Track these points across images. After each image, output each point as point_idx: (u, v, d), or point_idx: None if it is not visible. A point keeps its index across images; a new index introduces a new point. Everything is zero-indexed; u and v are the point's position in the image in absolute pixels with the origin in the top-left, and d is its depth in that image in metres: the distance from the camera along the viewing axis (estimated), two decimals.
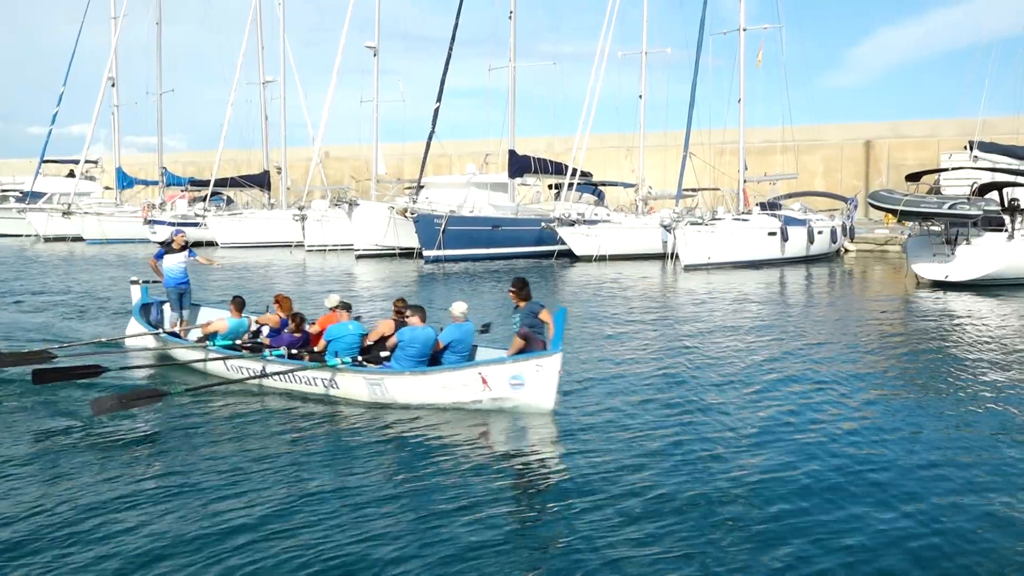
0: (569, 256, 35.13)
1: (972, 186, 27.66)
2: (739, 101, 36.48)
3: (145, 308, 14.81)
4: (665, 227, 33.51)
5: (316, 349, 11.56)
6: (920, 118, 53.13)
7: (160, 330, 14.19)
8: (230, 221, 44.23)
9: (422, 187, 38.42)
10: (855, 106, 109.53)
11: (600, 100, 37.53)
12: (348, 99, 74.08)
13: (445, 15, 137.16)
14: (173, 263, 14.80)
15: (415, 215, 34.85)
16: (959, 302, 21.74)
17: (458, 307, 11.18)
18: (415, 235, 35.26)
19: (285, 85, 48.09)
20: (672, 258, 32.48)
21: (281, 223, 42.96)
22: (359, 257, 36.14)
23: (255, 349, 12.17)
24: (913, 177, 28.22)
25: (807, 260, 34.72)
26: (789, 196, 41.29)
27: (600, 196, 43.72)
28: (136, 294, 15.21)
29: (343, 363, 10.79)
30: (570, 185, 37.45)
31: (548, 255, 35.86)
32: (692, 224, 31.64)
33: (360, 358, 10.99)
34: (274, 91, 48.58)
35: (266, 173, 48.42)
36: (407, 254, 36.00)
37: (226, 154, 47.40)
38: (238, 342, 12.56)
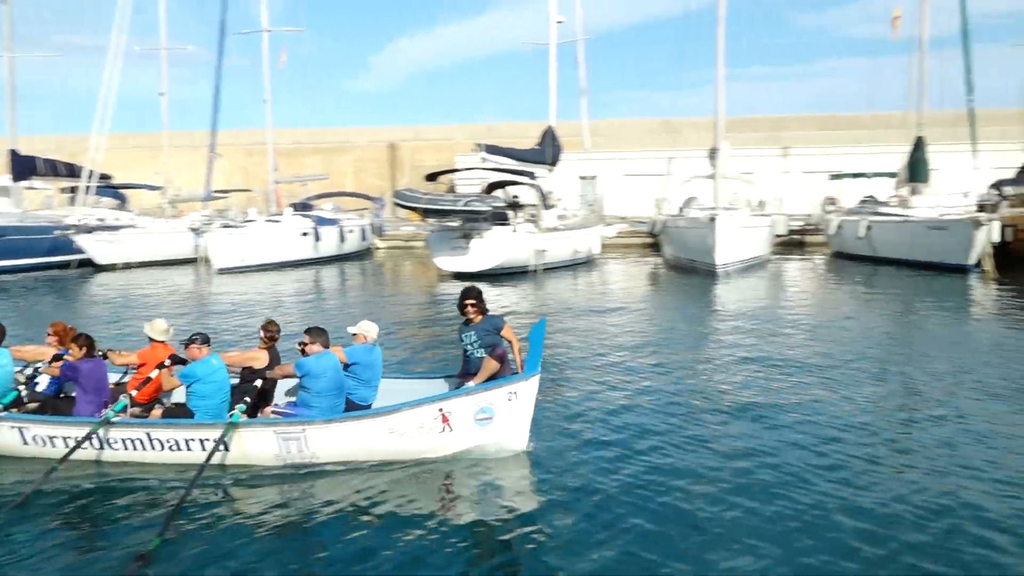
0: (91, 265, 32.23)
1: (482, 184, 30.48)
2: (265, 101, 36.36)
3: None
4: (195, 230, 32.26)
5: (133, 395, 8.44)
6: (438, 123, 57.47)
7: None
8: None
9: None
10: (380, 110, 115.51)
11: (120, 97, 35.10)
12: None
13: None
14: None
15: None
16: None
17: (371, 328, 9.04)
18: None
19: None
20: (204, 262, 31.36)
21: None
22: None
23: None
24: (432, 177, 30.34)
25: (340, 259, 35.69)
26: (320, 196, 42.14)
27: (123, 200, 40.71)
28: None
29: (239, 413, 7.92)
30: (87, 188, 34.37)
31: (64, 265, 32.55)
32: (224, 227, 30.88)
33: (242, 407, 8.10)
34: None
35: None
36: None
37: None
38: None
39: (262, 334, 9.07)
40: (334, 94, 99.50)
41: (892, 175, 35.97)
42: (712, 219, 27.15)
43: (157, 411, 8.62)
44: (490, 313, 9.13)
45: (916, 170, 32.82)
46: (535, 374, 7.83)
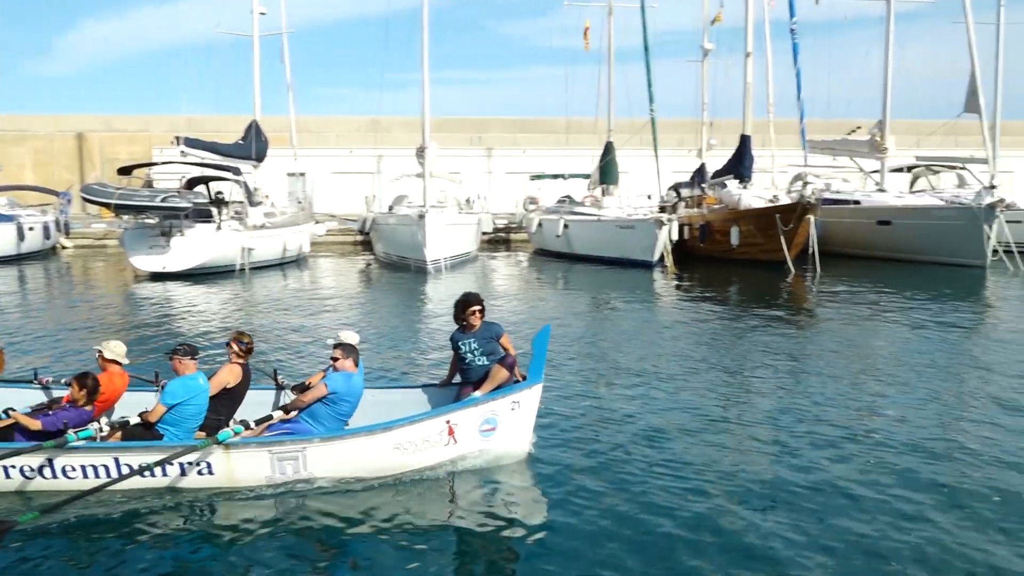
0: None
1: (182, 180, 28.95)
2: None
3: None
4: None
5: (151, 420, 7.50)
6: (133, 113, 53.68)
7: None
8: None
9: None
10: (66, 98, 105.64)
11: None
12: None
13: None
14: None
15: None
16: (176, 290, 22.61)
17: (352, 337, 8.36)
18: None
19: None
20: None
21: None
22: None
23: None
24: (125, 171, 28.34)
25: (19, 259, 32.31)
26: None
27: None
28: None
29: (233, 432, 7.16)
30: None
31: None
32: None
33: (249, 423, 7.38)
34: None
35: None
36: None
37: None
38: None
39: (235, 347, 8.21)
40: (11, 77, 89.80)
41: (586, 176, 38.62)
42: (421, 217, 27.68)
43: (117, 434, 7.55)
44: (486, 320, 8.72)
45: (607, 173, 35.45)
46: (538, 383, 7.72)
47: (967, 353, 13.49)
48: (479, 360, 8.37)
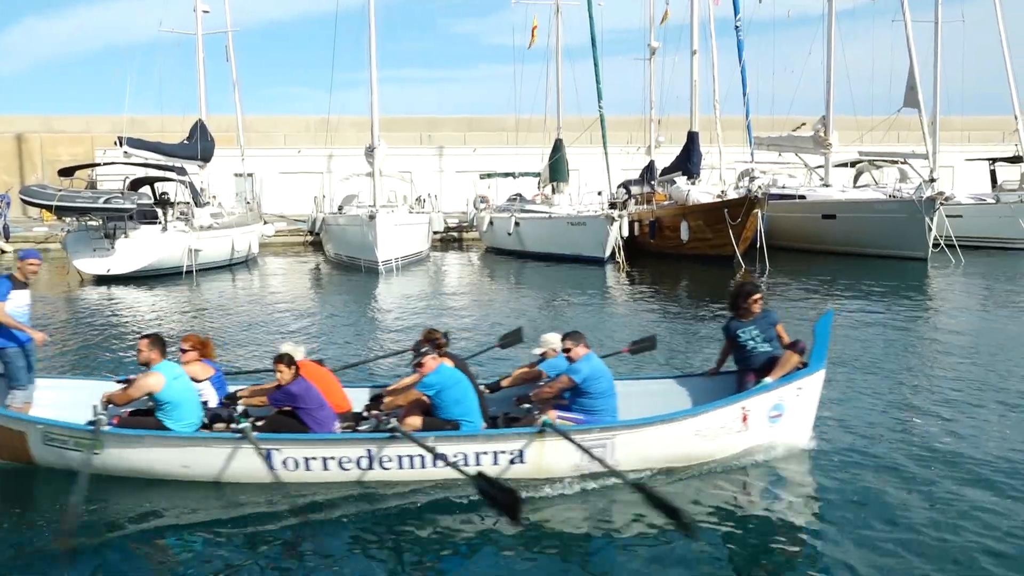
0: None
1: (126, 181, 28.43)
2: None
3: None
4: None
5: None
6: (74, 113, 52.46)
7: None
8: None
9: None
10: (4, 98, 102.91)
11: None
12: None
13: None
14: (20, 306, 8.50)
15: None
16: (122, 293, 22.21)
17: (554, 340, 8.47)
18: None
19: None
20: None
21: None
22: None
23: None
24: (67, 172, 27.80)
25: None
26: None
27: None
28: None
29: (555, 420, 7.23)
30: None
31: None
32: None
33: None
34: None
35: None
36: None
37: None
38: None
39: (426, 347, 7.69)
40: None
41: (536, 174, 38.70)
42: (372, 217, 27.49)
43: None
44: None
45: (557, 170, 35.60)
46: (821, 368, 7.75)
47: (913, 341, 13.79)
48: (761, 347, 8.31)
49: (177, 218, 27.48)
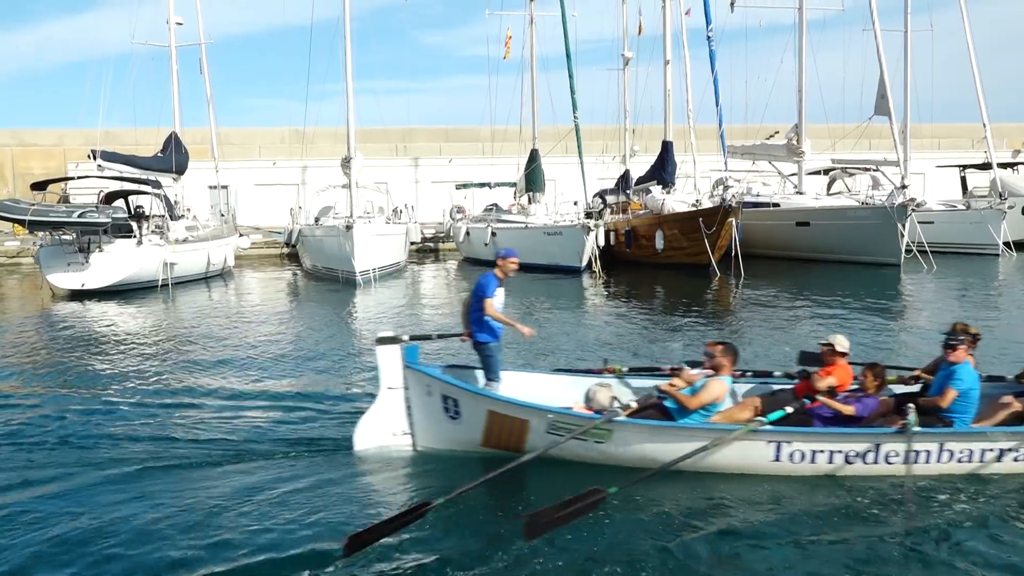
0: None
1: (100, 194, 28.24)
2: None
3: None
4: None
5: (943, 405, 7.63)
6: (46, 127, 52.02)
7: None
8: None
9: None
10: None
11: None
12: None
13: None
14: (500, 302, 9.36)
15: None
16: (98, 308, 22.03)
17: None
18: None
19: None
20: None
21: None
22: None
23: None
24: (39, 186, 27.60)
25: None
26: None
27: None
28: (394, 361, 8.40)
29: None
30: None
31: None
32: None
33: None
34: None
35: None
36: None
37: None
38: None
39: (963, 337, 7.86)
40: None
41: (512, 184, 38.80)
42: (349, 228, 27.45)
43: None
44: None
45: (533, 180, 35.73)
46: None
47: (888, 343, 13.99)
48: None
49: (152, 231, 27.30)
